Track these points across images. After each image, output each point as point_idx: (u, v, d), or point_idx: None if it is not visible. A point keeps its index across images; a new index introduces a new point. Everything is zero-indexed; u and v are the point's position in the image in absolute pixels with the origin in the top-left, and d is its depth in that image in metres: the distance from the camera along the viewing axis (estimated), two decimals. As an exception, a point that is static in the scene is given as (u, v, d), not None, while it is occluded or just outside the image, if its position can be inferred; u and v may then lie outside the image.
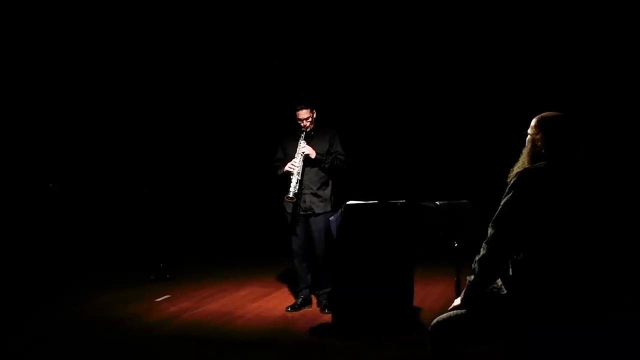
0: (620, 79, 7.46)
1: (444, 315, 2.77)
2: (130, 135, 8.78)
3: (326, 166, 5.23)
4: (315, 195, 5.23)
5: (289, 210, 5.28)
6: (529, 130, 2.75)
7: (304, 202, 5.22)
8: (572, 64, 7.63)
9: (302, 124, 5.20)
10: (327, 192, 5.29)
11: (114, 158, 8.73)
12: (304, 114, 5.17)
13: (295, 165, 5.13)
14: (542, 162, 2.66)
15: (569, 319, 2.51)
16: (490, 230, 2.62)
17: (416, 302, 5.01)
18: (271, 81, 8.53)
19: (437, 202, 4.10)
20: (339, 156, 5.26)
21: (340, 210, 4.73)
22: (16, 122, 7.89)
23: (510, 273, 2.65)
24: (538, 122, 2.73)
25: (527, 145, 2.76)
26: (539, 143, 2.69)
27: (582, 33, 7.53)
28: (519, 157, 2.80)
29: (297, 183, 5.10)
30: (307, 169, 5.20)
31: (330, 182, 5.32)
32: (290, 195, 5.08)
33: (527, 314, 2.55)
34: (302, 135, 5.19)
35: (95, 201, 8.47)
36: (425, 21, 8.16)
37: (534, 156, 2.71)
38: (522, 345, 2.59)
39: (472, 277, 2.65)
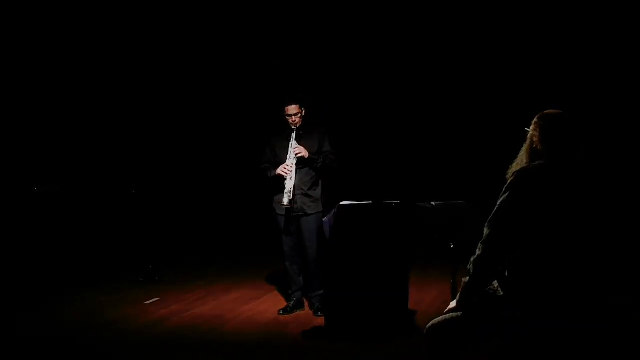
0: (620, 78, 7.42)
1: (440, 318, 2.74)
2: (119, 135, 8.68)
3: (318, 166, 5.12)
4: (306, 195, 5.12)
5: (279, 211, 5.17)
6: (530, 127, 2.74)
7: (296, 203, 5.09)
8: (571, 63, 7.59)
9: (290, 120, 5.07)
10: (317, 191, 5.18)
11: (102, 158, 8.63)
12: (293, 109, 5.04)
13: (289, 170, 5.01)
14: (540, 161, 2.63)
15: (567, 319, 2.48)
16: (486, 231, 2.59)
17: (411, 304, 4.93)
18: (271, 81, 8.46)
19: (433, 203, 4.04)
20: (329, 155, 5.15)
21: (333, 210, 4.64)
22: (3, 122, 7.78)
23: (506, 274, 2.60)
24: (537, 119, 2.73)
25: (526, 141, 2.75)
26: (535, 140, 2.68)
27: (582, 33, 7.49)
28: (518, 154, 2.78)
29: (291, 188, 4.99)
30: (298, 169, 5.09)
31: (319, 181, 5.22)
32: (286, 202, 4.97)
33: (525, 315, 2.51)
34: (293, 135, 5.07)
35: (84, 202, 8.37)
36: (423, 21, 8.12)
37: (531, 153, 2.70)
38: (520, 347, 2.55)
39: (468, 278, 2.62)
